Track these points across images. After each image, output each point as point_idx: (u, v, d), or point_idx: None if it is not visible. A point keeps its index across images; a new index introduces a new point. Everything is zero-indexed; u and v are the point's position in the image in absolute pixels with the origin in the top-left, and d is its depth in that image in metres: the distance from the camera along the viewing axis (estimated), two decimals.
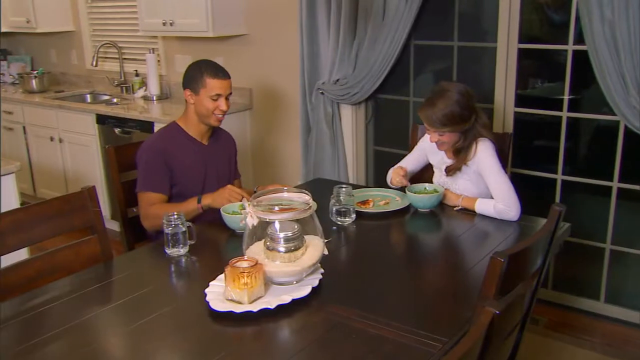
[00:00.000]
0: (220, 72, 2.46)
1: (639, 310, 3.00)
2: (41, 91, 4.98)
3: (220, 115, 2.48)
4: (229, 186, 2.35)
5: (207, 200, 2.34)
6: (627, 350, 2.82)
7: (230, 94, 2.50)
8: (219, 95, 2.44)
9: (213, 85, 2.43)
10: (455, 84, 2.41)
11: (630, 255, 3.01)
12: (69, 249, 2.04)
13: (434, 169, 2.62)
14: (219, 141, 2.63)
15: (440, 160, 2.55)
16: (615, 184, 2.91)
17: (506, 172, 2.47)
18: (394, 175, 2.55)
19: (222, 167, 2.62)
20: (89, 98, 4.91)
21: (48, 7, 4.93)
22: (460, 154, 2.43)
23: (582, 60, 2.80)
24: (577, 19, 2.72)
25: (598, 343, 2.88)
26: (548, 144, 3.13)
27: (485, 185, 2.41)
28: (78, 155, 4.42)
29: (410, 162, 2.67)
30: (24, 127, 4.76)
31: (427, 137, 2.53)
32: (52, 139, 4.54)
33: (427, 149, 2.61)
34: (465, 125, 2.36)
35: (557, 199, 3.10)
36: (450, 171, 2.46)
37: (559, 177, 3.07)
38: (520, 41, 3.00)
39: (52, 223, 2.01)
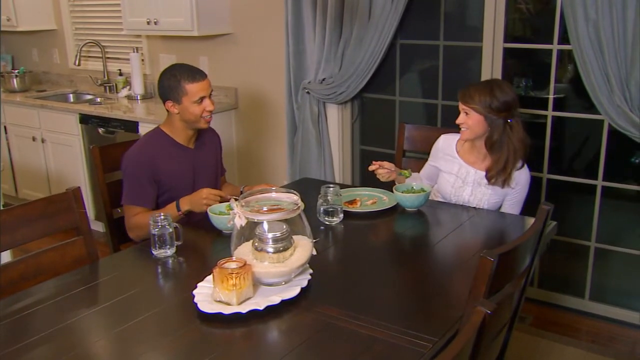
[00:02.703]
0: (197, 75, 2.38)
1: (623, 307, 3.04)
2: (22, 90, 4.92)
3: (209, 117, 2.44)
4: (204, 190, 2.29)
5: (186, 205, 2.30)
6: (611, 347, 2.85)
7: (212, 91, 2.46)
8: (202, 97, 2.38)
9: (194, 89, 2.36)
10: (508, 84, 2.41)
11: (614, 253, 3.04)
12: (53, 251, 2.02)
13: (445, 175, 2.54)
14: (204, 142, 2.58)
15: (459, 169, 2.50)
16: (599, 183, 2.94)
17: None
18: (381, 171, 2.51)
19: (210, 169, 2.59)
20: (71, 97, 4.85)
21: (29, 5, 4.85)
22: (494, 150, 2.38)
23: (566, 59, 2.82)
24: (562, 18, 2.74)
25: (583, 340, 2.91)
26: (533, 143, 3.14)
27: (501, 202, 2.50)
28: (61, 155, 4.37)
29: (424, 176, 2.67)
30: (4, 127, 4.69)
31: (439, 141, 2.60)
32: (34, 139, 4.48)
33: (440, 153, 2.58)
34: (492, 115, 2.33)
35: (543, 197, 3.12)
36: (491, 177, 2.40)
37: (545, 175, 3.09)
38: (506, 41, 3.02)
39: (36, 225, 1.99)
